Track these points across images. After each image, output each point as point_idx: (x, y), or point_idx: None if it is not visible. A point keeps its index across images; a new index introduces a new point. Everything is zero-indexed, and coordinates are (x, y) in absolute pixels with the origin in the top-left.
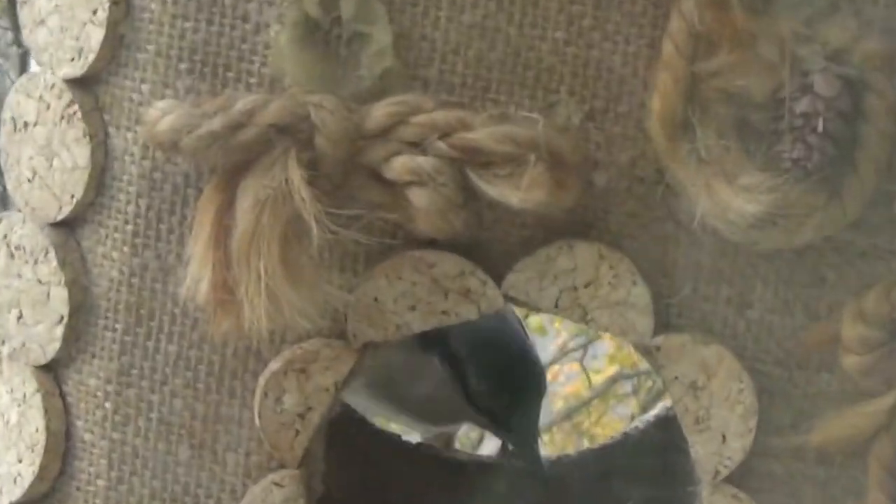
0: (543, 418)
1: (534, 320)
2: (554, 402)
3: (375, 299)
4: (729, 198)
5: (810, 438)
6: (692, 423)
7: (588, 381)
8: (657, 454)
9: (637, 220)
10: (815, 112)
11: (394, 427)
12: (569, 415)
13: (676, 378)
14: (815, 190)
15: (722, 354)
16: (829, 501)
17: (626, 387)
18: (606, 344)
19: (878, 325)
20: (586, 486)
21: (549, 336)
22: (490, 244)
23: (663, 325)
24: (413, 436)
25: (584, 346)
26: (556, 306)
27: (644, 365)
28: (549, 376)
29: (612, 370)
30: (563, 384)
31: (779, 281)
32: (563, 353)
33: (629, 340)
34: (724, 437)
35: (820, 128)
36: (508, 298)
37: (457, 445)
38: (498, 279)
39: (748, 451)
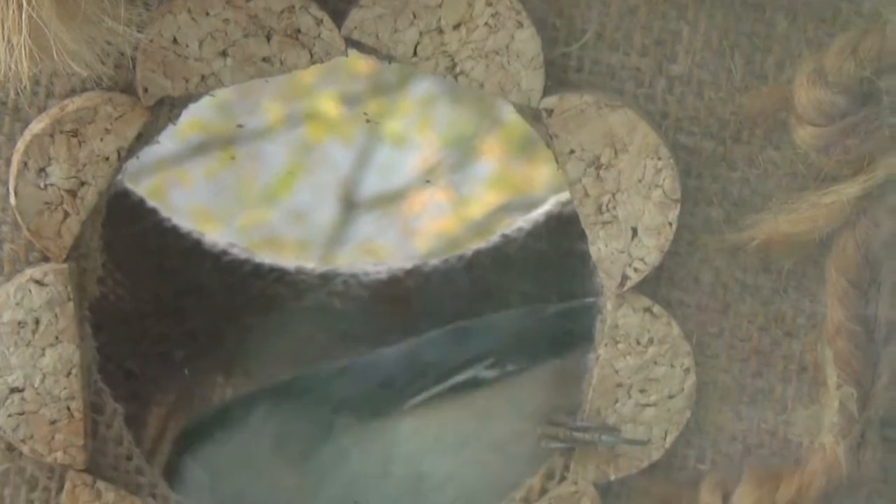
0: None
1: (390, 127)
2: (417, 241)
3: (174, 41)
4: None
5: (751, 236)
6: (593, 212)
7: (462, 215)
8: (547, 260)
9: None
10: None
11: None
12: (435, 257)
13: (573, 152)
14: None
15: (634, 122)
16: (774, 318)
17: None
18: (489, 163)
19: (840, 87)
20: (451, 302)
21: (409, 148)
22: None
23: (558, 81)
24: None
25: (459, 165)
26: (415, 54)
27: (539, 193)
28: (409, 205)
29: (496, 199)
30: (427, 218)
31: (712, 26)
32: (428, 174)
33: (512, 101)
34: (634, 231)
35: None
36: (352, 43)
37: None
38: (339, 17)
39: (667, 252)
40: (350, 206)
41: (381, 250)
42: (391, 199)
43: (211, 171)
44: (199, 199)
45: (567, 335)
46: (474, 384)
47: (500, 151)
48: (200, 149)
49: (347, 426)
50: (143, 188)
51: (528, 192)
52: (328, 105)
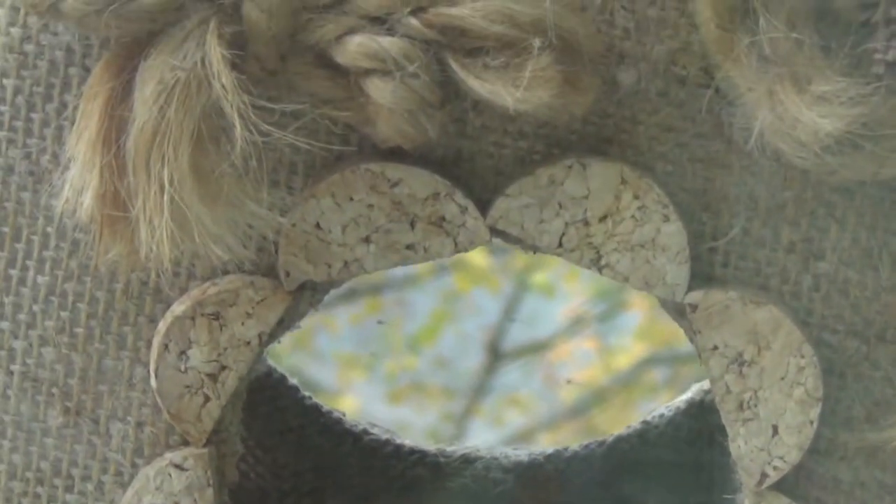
0: (549, 411)
1: (539, 277)
2: (562, 391)
3: (317, 226)
4: (798, 110)
5: (892, 437)
6: (735, 409)
7: (609, 365)
8: (685, 451)
9: (673, 136)
10: None
11: None
12: (581, 409)
13: (716, 349)
14: None
15: (779, 320)
16: None
17: (660, 374)
18: (636, 314)
19: None
20: (590, 488)
21: (557, 299)
22: (474, 159)
23: (703, 277)
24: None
25: (606, 316)
26: (560, 245)
27: (685, 346)
28: (556, 354)
29: (641, 351)
30: (573, 367)
31: (860, 224)
32: (575, 325)
33: (656, 295)
34: (775, 429)
35: None
36: (496, 232)
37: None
38: (483, 205)
39: (807, 450)
40: (495, 354)
41: (525, 400)
42: (537, 349)
43: (357, 318)
44: (344, 346)
45: None
46: None
47: (646, 302)
48: (347, 296)
49: None
50: (288, 334)
51: (674, 344)
52: (477, 256)
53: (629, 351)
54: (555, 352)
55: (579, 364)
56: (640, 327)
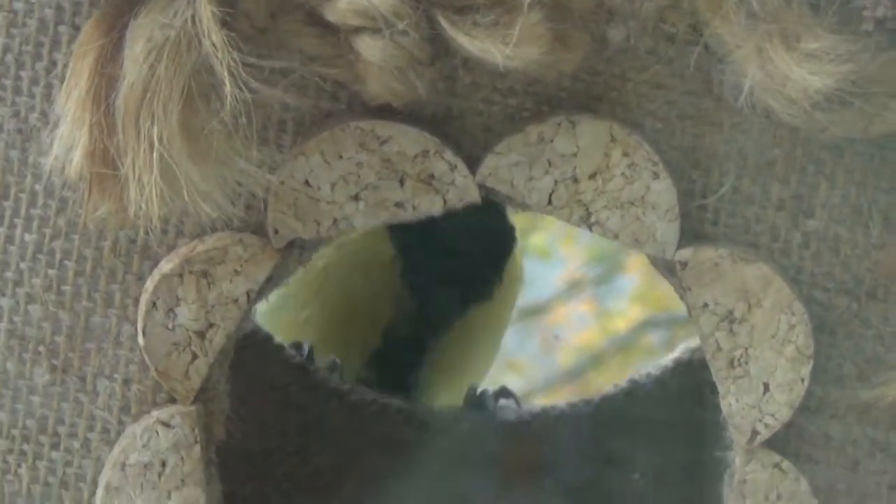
0: (546, 374)
1: (536, 240)
2: (559, 355)
3: (306, 183)
4: (788, 67)
5: (883, 394)
6: (725, 366)
7: (606, 328)
8: (675, 409)
9: (663, 93)
10: None
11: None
12: (578, 372)
13: (706, 306)
14: None
15: (769, 277)
16: None
17: (657, 337)
18: (633, 278)
19: None
20: (578, 446)
21: (554, 262)
22: (464, 116)
23: (693, 234)
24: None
25: (603, 279)
26: (550, 202)
27: (682, 309)
28: (553, 317)
29: (638, 314)
30: (571, 330)
31: (850, 181)
32: (572, 288)
33: (646, 252)
34: (766, 386)
35: None
36: (485, 189)
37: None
38: (473, 163)
39: (797, 408)
40: None
41: (522, 363)
42: (534, 312)
43: None
44: None
45: None
46: None
47: (643, 266)
48: None
49: None
50: None
51: (671, 307)
52: None
53: (626, 314)
54: (552, 315)
55: (576, 327)
56: (636, 290)
